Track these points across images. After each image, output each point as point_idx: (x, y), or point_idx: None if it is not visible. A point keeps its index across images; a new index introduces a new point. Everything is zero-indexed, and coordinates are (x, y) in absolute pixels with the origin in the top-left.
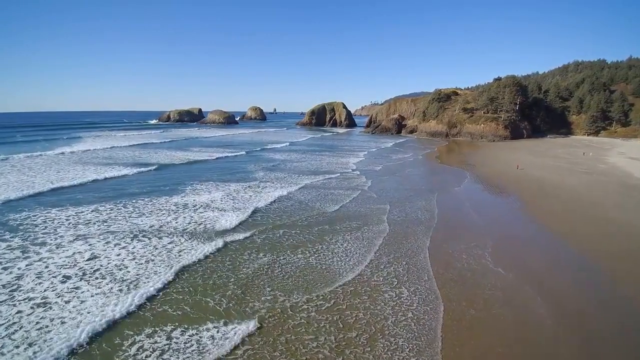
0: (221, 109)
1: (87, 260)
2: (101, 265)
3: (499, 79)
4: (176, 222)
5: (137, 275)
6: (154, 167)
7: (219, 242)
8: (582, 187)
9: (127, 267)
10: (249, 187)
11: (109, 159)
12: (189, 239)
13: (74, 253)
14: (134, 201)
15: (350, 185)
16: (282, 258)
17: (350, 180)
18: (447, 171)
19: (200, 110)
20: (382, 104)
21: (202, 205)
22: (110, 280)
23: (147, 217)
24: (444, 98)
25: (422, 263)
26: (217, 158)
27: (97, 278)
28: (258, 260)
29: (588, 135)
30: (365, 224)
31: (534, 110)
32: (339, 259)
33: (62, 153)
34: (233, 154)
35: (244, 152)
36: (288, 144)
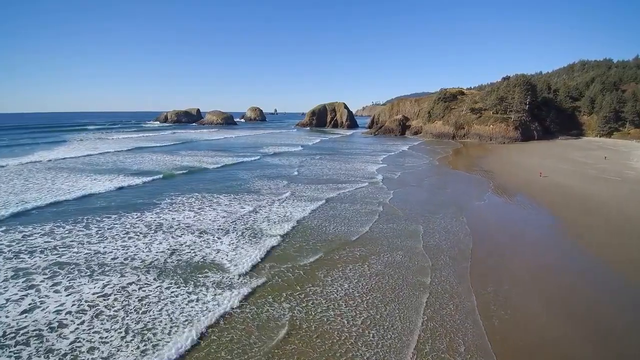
0: (219, 110)
1: (18, 315)
2: (35, 320)
3: (507, 77)
4: (148, 255)
5: (72, 348)
6: (143, 179)
7: (215, 294)
8: (621, 200)
9: (63, 328)
10: (263, 206)
11: (89, 167)
12: (160, 279)
13: (7, 301)
14: (98, 219)
15: (373, 199)
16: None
17: (372, 192)
18: (467, 180)
19: (198, 110)
20: (383, 104)
21: (193, 232)
22: (35, 352)
23: (110, 243)
24: (450, 98)
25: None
26: (223, 166)
27: (17, 345)
28: (270, 334)
29: (600, 136)
30: (402, 255)
31: (544, 111)
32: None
33: (35, 162)
34: (239, 161)
35: (253, 158)
36: (301, 148)
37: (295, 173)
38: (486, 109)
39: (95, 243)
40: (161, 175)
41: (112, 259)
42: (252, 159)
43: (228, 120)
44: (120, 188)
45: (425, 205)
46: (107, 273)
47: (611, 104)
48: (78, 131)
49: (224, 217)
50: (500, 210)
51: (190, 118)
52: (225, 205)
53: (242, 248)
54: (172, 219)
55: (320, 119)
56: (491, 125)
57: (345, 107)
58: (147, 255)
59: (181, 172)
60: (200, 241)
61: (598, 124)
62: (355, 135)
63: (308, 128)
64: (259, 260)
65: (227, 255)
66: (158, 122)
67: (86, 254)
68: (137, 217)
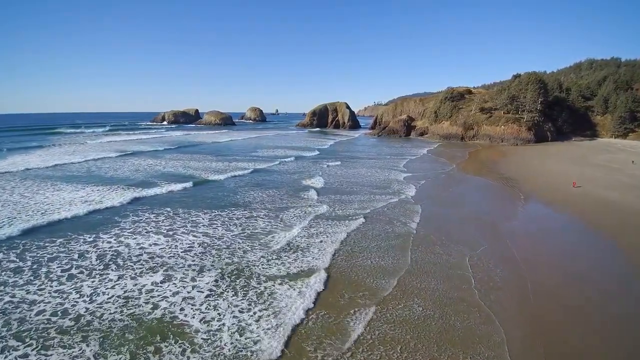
0: (218, 110)
1: None
2: None
3: (518, 75)
4: (88, 307)
5: None
6: (121, 195)
7: None
8: None
9: None
10: (290, 237)
11: (59, 175)
12: (95, 355)
13: None
14: (39, 245)
15: (405, 220)
16: None
17: (402, 209)
18: (493, 191)
19: (197, 111)
20: (385, 104)
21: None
22: None
23: (44, 285)
24: (458, 97)
25: None
26: (232, 176)
27: None
28: None
29: (615, 137)
30: (462, 321)
31: (555, 110)
32: None
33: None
34: (254, 168)
35: (267, 165)
36: (317, 152)
37: (320, 184)
38: (496, 109)
39: (23, 285)
40: (150, 190)
41: (37, 313)
42: (266, 165)
43: (227, 121)
44: (86, 202)
45: (462, 228)
46: (26, 338)
47: (626, 103)
48: (67, 134)
49: (244, 254)
50: (548, 235)
51: (188, 118)
52: (250, 235)
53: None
54: (143, 244)
55: (321, 119)
56: (502, 126)
57: (347, 107)
58: (86, 309)
59: (179, 184)
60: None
61: (613, 124)
62: (360, 137)
63: (315, 129)
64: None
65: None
66: (155, 123)
67: (6, 303)
68: (89, 243)
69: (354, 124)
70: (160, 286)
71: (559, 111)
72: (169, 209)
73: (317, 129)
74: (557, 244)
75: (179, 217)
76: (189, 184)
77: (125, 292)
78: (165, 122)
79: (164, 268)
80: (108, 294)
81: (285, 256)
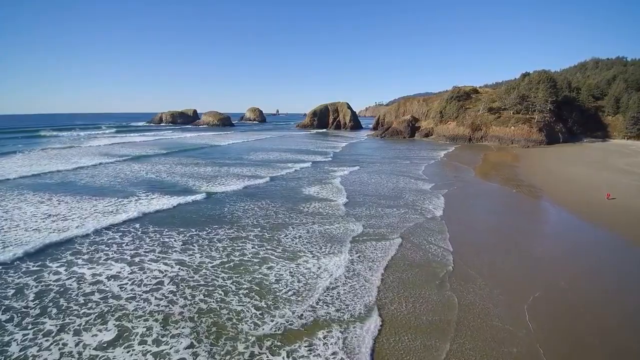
0: (216, 110)
1: None
2: None
3: (527, 74)
4: None
5: None
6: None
7: None
8: None
9: None
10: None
11: (32, 183)
12: None
13: None
14: None
15: (438, 249)
16: None
17: (433, 230)
18: (521, 203)
19: (195, 111)
20: (387, 105)
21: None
22: None
23: None
24: (464, 96)
25: None
26: (245, 186)
27: None
28: None
29: (628, 138)
30: None
31: (565, 111)
32: None
33: None
34: (273, 174)
35: (284, 172)
36: (331, 157)
37: (343, 197)
38: (505, 109)
39: None
40: (134, 204)
41: None
42: (284, 172)
43: (225, 122)
44: (48, 217)
45: (506, 262)
46: None
47: (639, 104)
48: (56, 137)
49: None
50: (609, 273)
51: (186, 119)
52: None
53: None
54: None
55: (322, 119)
56: (512, 127)
57: (349, 107)
58: None
59: (179, 197)
60: None
61: (625, 125)
62: (365, 140)
63: (317, 130)
64: None
65: None
66: (152, 124)
67: None
68: (32, 274)
69: (356, 125)
70: (110, 351)
71: (568, 111)
72: (159, 230)
73: (318, 130)
74: (626, 286)
75: (148, 238)
76: (196, 197)
77: (61, 355)
78: (163, 123)
79: (118, 315)
80: (38, 359)
81: (319, 307)
